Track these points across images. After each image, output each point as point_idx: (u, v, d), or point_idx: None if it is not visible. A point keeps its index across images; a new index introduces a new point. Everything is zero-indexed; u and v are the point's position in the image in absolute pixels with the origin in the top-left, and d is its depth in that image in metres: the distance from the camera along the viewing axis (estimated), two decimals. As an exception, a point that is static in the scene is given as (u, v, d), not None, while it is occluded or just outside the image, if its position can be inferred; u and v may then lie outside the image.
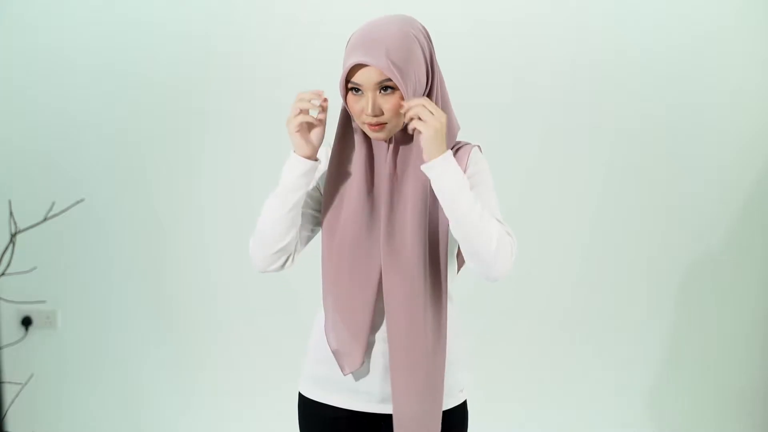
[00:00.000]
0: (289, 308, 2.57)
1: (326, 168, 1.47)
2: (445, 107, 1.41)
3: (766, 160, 2.54)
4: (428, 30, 1.41)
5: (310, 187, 1.43)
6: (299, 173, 1.37)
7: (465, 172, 1.40)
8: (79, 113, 2.57)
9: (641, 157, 2.53)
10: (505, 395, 2.59)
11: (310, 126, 1.38)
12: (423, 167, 1.32)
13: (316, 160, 1.39)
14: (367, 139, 1.42)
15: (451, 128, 1.41)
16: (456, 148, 1.44)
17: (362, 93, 1.34)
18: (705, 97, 2.51)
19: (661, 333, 2.61)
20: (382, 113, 1.33)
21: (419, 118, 1.30)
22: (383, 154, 1.42)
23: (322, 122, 1.39)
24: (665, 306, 2.60)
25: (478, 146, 1.47)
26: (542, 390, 2.63)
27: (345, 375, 1.44)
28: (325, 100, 1.38)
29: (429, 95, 1.38)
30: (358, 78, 1.33)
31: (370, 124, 1.35)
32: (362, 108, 1.34)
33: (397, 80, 1.30)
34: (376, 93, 1.33)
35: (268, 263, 1.45)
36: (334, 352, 1.44)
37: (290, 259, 1.45)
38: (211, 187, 2.59)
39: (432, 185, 1.33)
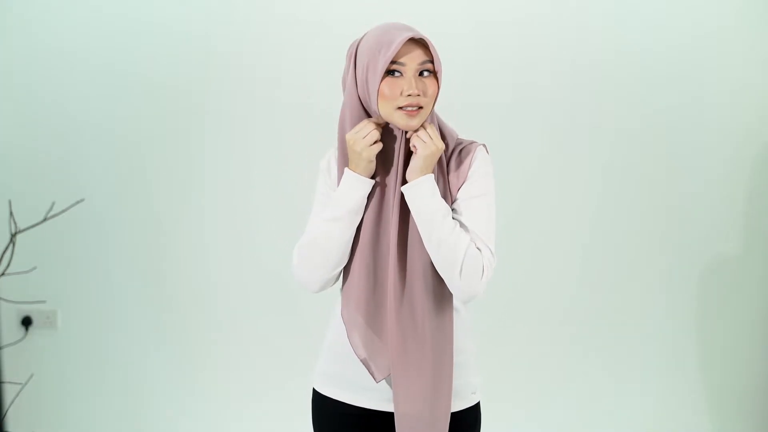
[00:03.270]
0: (289, 308, 2.57)
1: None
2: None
3: (766, 160, 2.54)
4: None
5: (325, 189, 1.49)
6: (364, 194, 1.39)
7: (468, 171, 1.42)
8: (79, 113, 2.57)
9: (641, 157, 2.53)
10: (505, 395, 2.59)
11: None
12: (403, 187, 1.37)
13: (373, 178, 1.41)
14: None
15: (448, 133, 1.48)
16: (459, 149, 1.45)
17: (401, 75, 1.35)
18: (705, 97, 2.51)
19: (662, 333, 2.61)
20: (424, 94, 1.35)
21: (420, 137, 1.35)
22: (394, 154, 1.42)
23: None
24: (665, 306, 2.60)
25: (484, 145, 1.47)
26: (542, 390, 2.63)
27: (378, 382, 1.43)
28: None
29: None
30: (402, 57, 1.34)
31: (409, 107, 1.34)
32: (401, 89, 1.34)
33: (437, 62, 1.35)
34: (417, 74, 1.35)
35: (326, 284, 1.46)
36: (363, 361, 1.42)
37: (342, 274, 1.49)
38: (211, 187, 2.59)
39: (408, 204, 1.37)
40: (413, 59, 1.33)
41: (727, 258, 2.57)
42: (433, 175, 1.37)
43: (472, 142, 1.47)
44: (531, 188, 2.54)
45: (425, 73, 1.35)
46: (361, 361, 1.42)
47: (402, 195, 1.39)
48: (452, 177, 1.43)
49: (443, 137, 1.44)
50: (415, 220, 1.37)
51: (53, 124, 2.58)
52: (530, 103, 2.51)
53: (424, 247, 1.39)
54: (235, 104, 2.55)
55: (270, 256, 2.55)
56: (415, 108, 1.34)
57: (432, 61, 1.35)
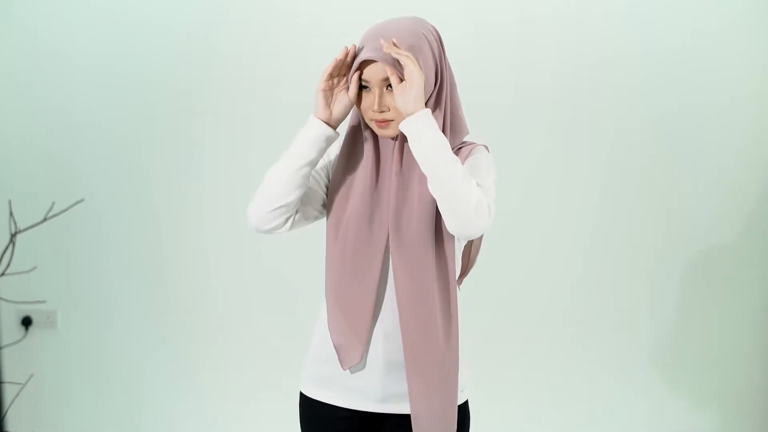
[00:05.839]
0: (288, 308, 2.57)
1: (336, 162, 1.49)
2: (455, 110, 1.44)
3: (766, 160, 2.54)
4: (439, 32, 1.43)
5: (320, 165, 1.48)
6: (312, 139, 1.40)
7: (464, 162, 1.42)
8: (80, 113, 2.57)
9: (641, 157, 2.53)
10: (505, 395, 2.59)
11: (335, 95, 1.41)
12: (401, 125, 1.33)
13: (334, 131, 1.41)
14: (375, 137, 1.44)
15: (458, 130, 1.44)
16: (459, 146, 1.46)
17: (371, 90, 1.37)
18: (705, 97, 2.51)
19: (662, 333, 2.61)
20: (389, 109, 1.36)
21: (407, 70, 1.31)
22: (389, 152, 1.43)
23: (350, 100, 1.40)
24: (665, 306, 2.60)
25: (485, 146, 1.48)
26: (542, 390, 2.63)
27: (344, 370, 1.44)
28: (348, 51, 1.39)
29: (438, 96, 1.40)
30: (366, 74, 1.37)
31: (377, 121, 1.38)
32: (370, 104, 1.38)
33: (400, 73, 1.33)
34: (383, 89, 1.36)
35: (265, 220, 1.44)
36: (336, 347, 1.45)
37: (289, 221, 1.44)
38: (211, 187, 2.59)
39: (409, 142, 1.34)
40: (376, 76, 1.36)
41: (728, 258, 2.57)
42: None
43: (473, 143, 1.48)
44: (531, 188, 2.54)
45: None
46: (334, 346, 1.44)
47: (398, 196, 1.39)
48: None
49: (451, 132, 1.43)
50: (423, 158, 1.32)
51: (53, 123, 2.58)
52: (531, 103, 2.51)
53: (431, 245, 1.38)
54: (235, 104, 2.55)
55: (270, 257, 2.55)
56: (383, 121, 1.37)
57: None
